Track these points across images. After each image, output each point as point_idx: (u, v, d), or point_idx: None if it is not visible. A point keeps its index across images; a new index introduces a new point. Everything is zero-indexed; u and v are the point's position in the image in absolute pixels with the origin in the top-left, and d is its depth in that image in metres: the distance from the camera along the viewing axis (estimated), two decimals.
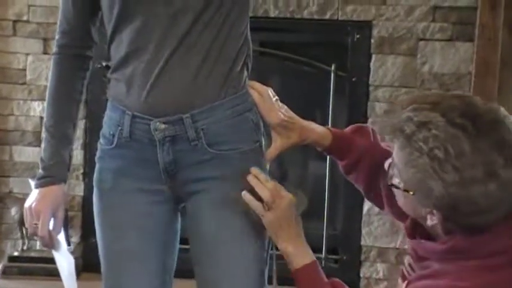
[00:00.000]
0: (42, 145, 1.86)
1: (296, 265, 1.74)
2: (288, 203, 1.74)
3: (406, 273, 1.71)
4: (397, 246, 3.67)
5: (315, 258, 1.76)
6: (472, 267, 1.55)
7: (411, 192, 1.57)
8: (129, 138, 1.77)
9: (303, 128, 1.84)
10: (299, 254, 1.75)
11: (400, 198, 1.63)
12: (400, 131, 1.56)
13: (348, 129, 1.90)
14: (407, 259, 1.71)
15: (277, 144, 1.83)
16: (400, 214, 1.75)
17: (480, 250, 1.56)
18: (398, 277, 1.75)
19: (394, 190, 1.63)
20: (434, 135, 1.51)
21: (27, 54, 3.78)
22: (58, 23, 1.86)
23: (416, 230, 1.67)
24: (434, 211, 1.56)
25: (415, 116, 1.55)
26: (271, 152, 1.83)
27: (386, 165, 1.65)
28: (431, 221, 1.58)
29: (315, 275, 1.74)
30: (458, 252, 1.57)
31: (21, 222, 3.62)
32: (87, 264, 3.40)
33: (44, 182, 1.84)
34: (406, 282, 1.65)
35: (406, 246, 1.74)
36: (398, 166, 1.59)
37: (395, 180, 1.60)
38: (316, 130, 1.85)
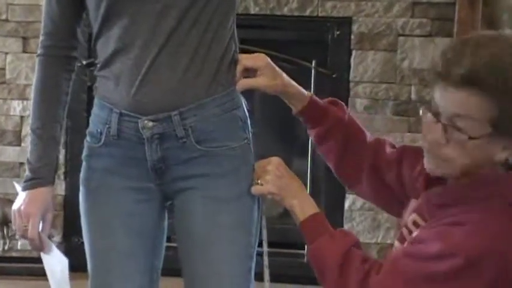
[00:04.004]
0: (29, 147, 1.86)
1: (302, 217, 1.74)
2: (275, 165, 1.77)
3: (406, 233, 1.70)
4: (379, 241, 3.69)
5: (319, 210, 1.76)
6: (498, 205, 1.56)
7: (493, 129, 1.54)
8: (116, 136, 1.77)
9: (288, 79, 1.85)
10: (304, 207, 1.75)
11: (464, 152, 1.57)
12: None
13: (324, 100, 1.91)
14: (411, 218, 1.70)
15: (259, 79, 1.83)
16: (381, 190, 1.80)
17: (510, 187, 1.57)
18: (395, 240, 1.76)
19: (458, 146, 1.56)
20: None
21: (6, 53, 3.75)
22: (42, 23, 1.85)
23: (432, 183, 1.66)
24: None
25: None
26: (251, 82, 1.82)
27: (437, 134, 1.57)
28: (505, 153, 1.57)
29: (321, 224, 1.74)
30: (487, 184, 1.57)
31: (2, 222, 3.61)
32: (70, 264, 3.40)
33: (32, 184, 1.83)
34: (418, 229, 1.65)
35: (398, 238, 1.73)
36: (471, 115, 1.54)
37: (465, 135, 1.55)
38: (298, 87, 1.87)
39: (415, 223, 1.69)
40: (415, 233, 1.65)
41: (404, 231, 1.71)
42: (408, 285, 1.56)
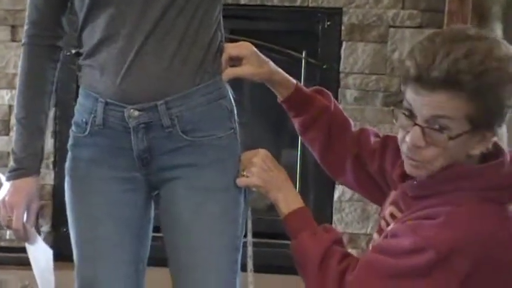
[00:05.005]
0: (14, 137, 1.85)
1: (286, 211, 1.74)
2: (262, 157, 1.78)
3: (384, 225, 1.71)
4: (368, 232, 3.69)
5: (303, 205, 1.76)
6: (470, 197, 1.57)
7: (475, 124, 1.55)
8: (102, 125, 1.76)
9: (274, 66, 1.85)
10: (289, 201, 1.75)
11: (445, 152, 1.57)
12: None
13: (310, 88, 1.91)
14: (388, 210, 1.71)
15: (245, 68, 1.82)
16: (365, 180, 1.81)
17: (482, 179, 1.58)
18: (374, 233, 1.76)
19: (443, 144, 1.56)
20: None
21: None
22: (27, 12, 1.84)
23: (409, 175, 1.66)
24: (496, 129, 1.57)
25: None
26: (237, 70, 1.82)
27: (417, 139, 1.57)
28: (488, 143, 1.58)
29: (304, 219, 1.74)
30: (461, 177, 1.58)
31: None
32: (58, 254, 3.39)
33: (16, 174, 1.83)
34: (394, 221, 1.66)
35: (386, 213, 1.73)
36: (449, 115, 1.54)
37: (444, 136, 1.55)
38: (284, 74, 1.86)
39: (392, 215, 1.69)
40: (390, 226, 1.66)
41: (383, 223, 1.71)
42: (382, 281, 1.57)
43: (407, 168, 1.63)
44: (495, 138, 1.60)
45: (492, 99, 1.54)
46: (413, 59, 1.54)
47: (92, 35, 1.74)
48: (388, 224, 1.68)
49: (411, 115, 1.58)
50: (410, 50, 1.58)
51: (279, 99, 1.88)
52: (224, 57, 1.79)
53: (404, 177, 1.67)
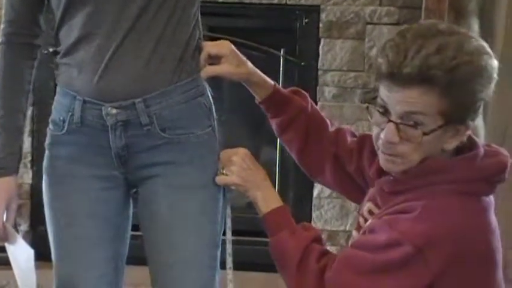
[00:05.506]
0: None
1: (265, 210, 1.74)
2: (242, 156, 1.77)
3: (362, 221, 1.72)
4: (347, 229, 3.70)
5: (282, 203, 1.76)
6: (444, 191, 1.58)
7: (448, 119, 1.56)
8: (80, 124, 1.75)
9: (252, 67, 1.85)
10: (268, 200, 1.75)
11: (419, 147, 1.58)
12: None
13: (288, 89, 1.91)
14: (366, 207, 1.72)
15: (224, 66, 1.81)
16: (343, 180, 1.81)
17: (455, 173, 1.59)
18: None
19: (416, 140, 1.57)
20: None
21: None
22: (3, 11, 1.83)
23: (385, 171, 1.67)
24: (469, 122, 1.59)
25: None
26: (215, 69, 1.81)
27: (391, 136, 1.58)
28: (462, 137, 1.59)
29: (283, 218, 1.73)
30: (435, 171, 1.59)
31: None
32: (36, 253, 3.38)
33: None
34: (372, 218, 1.67)
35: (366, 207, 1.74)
36: (423, 111, 1.56)
37: (418, 132, 1.56)
38: (262, 75, 1.86)
39: (370, 211, 1.70)
40: (368, 222, 1.66)
41: (361, 220, 1.72)
42: (360, 276, 1.58)
43: (383, 163, 1.64)
44: (469, 132, 1.61)
45: (464, 94, 1.55)
46: (385, 56, 1.56)
47: (69, 34, 1.74)
48: (366, 221, 1.69)
49: (385, 112, 1.59)
50: (383, 47, 1.59)
51: (257, 100, 1.89)
52: (203, 55, 1.79)
53: (381, 173, 1.68)
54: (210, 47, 1.81)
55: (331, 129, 1.88)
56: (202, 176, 1.78)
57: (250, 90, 1.88)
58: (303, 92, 1.91)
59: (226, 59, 1.81)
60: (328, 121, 1.89)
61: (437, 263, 1.53)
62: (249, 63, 1.84)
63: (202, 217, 1.78)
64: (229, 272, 1.85)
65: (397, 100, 1.56)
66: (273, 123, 1.90)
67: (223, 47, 1.83)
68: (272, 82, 1.88)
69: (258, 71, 1.86)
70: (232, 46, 1.83)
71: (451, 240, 1.54)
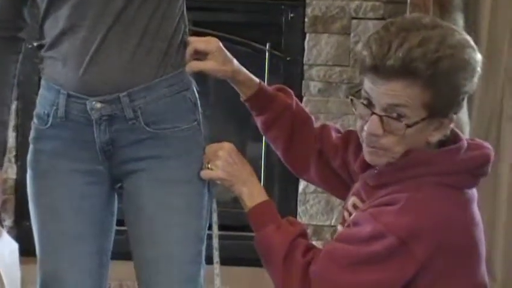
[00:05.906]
0: None
1: (250, 205, 1.74)
2: (227, 151, 1.77)
3: (346, 215, 1.72)
4: (332, 224, 3.70)
5: (268, 198, 1.76)
6: (428, 183, 1.59)
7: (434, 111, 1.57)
8: (64, 118, 1.74)
9: (238, 65, 1.84)
10: (254, 194, 1.75)
11: (403, 140, 1.59)
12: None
13: (272, 87, 1.91)
14: (350, 201, 1.72)
15: (209, 63, 1.81)
16: (329, 176, 1.81)
17: (438, 165, 1.60)
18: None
19: (400, 132, 1.58)
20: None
21: None
22: None
23: (369, 165, 1.68)
24: (452, 115, 1.60)
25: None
26: (200, 64, 1.80)
27: (375, 128, 1.59)
28: (445, 130, 1.61)
29: (269, 213, 1.73)
30: (418, 164, 1.60)
31: None
32: (21, 249, 3.37)
33: None
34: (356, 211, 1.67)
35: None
36: (406, 103, 1.56)
37: (402, 124, 1.57)
38: (248, 74, 1.86)
39: (354, 206, 1.71)
40: (352, 216, 1.67)
41: (346, 214, 1.73)
42: (345, 269, 1.58)
43: (367, 156, 1.65)
44: (452, 125, 1.62)
45: (447, 86, 1.57)
46: (369, 49, 1.57)
47: (54, 26, 1.73)
48: (351, 215, 1.70)
49: (369, 104, 1.60)
50: (366, 40, 1.60)
51: (242, 98, 1.88)
52: (189, 50, 1.79)
53: (365, 167, 1.69)
54: (197, 43, 1.81)
55: (316, 125, 1.88)
56: (187, 170, 1.78)
57: (235, 88, 1.88)
58: (288, 89, 1.91)
59: (213, 55, 1.81)
60: (313, 118, 1.89)
61: (421, 254, 1.54)
62: (235, 62, 1.84)
63: (187, 212, 1.77)
64: (216, 266, 1.84)
65: (381, 93, 1.57)
66: (258, 121, 1.90)
67: (211, 43, 1.82)
68: (257, 80, 1.87)
69: (244, 70, 1.86)
70: (220, 43, 1.82)
71: (434, 232, 1.55)
